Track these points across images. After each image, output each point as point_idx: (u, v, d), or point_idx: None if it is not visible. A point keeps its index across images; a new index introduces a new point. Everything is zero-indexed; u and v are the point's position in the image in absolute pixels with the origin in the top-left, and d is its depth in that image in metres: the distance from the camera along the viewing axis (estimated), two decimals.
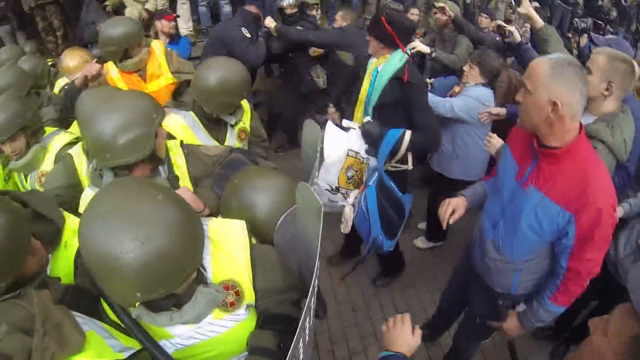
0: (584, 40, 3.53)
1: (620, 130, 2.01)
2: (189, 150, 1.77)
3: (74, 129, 2.43)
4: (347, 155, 2.52)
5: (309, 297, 1.08)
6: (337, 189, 2.59)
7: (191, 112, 2.16)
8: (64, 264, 1.36)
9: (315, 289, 1.24)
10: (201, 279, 1.15)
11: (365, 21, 5.42)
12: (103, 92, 1.99)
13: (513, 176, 1.71)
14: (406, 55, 2.44)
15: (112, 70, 2.74)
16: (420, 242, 3.77)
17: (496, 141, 2.26)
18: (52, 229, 1.37)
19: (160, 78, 2.86)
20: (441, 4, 3.75)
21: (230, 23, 4.19)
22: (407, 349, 1.35)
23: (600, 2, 8.17)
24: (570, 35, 4.37)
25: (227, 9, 5.63)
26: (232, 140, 2.25)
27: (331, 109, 3.05)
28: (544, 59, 1.51)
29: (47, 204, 1.40)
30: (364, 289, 3.31)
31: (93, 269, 0.95)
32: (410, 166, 2.48)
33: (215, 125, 2.17)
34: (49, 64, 3.61)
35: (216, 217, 1.56)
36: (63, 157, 1.98)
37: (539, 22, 2.64)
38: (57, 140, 2.21)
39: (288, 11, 4.34)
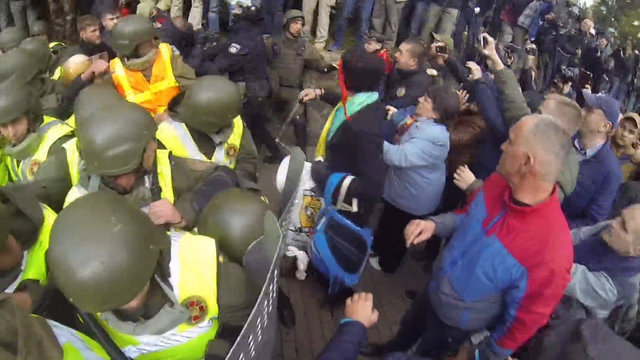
0: (567, 88, 3.66)
1: (569, 169, 2.21)
2: (176, 163, 1.83)
3: (72, 121, 2.46)
4: (304, 195, 2.59)
5: (259, 299, 1.14)
6: (300, 229, 2.67)
7: (183, 124, 2.20)
8: (39, 262, 1.41)
9: (270, 296, 1.31)
10: (167, 298, 1.21)
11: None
12: (102, 96, 2.04)
13: (480, 221, 1.79)
14: (370, 100, 2.39)
15: (117, 68, 2.80)
16: (374, 263, 3.76)
17: (466, 176, 2.34)
18: (30, 227, 1.41)
19: (163, 80, 2.92)
20: (441, 44, 3.79)
21: None
22: (366, 321, 1.52)
23: (598, 54, 8.43)
24: (555, 81, 4.54)
25: None
26: (220, 156, 2.30)
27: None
28: (534, 116, 1.63)
29: (30, 201, 1.45)
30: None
31: (51, 271, 1.03)
32: (354, 208, 2.50)
33: (205, 139, 2.21)
34: (51, 49, 3.65)
35: (191, 230, 1.64)
36: (57, 151, 2.02)
37: (500, 64, 2.74)
38: (53, 131, 2.23)
39: (236, 11, 4.36)
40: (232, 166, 2.38)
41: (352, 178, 2.39)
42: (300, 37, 4.86)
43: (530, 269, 1.59)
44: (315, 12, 5.96)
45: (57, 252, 0.99)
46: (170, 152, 1.86)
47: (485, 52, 2.74)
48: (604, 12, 14.23)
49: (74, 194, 1.70)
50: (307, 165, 2.55)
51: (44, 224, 1.46)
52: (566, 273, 1.59)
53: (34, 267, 1.40)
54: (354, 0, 6.06)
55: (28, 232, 1.40)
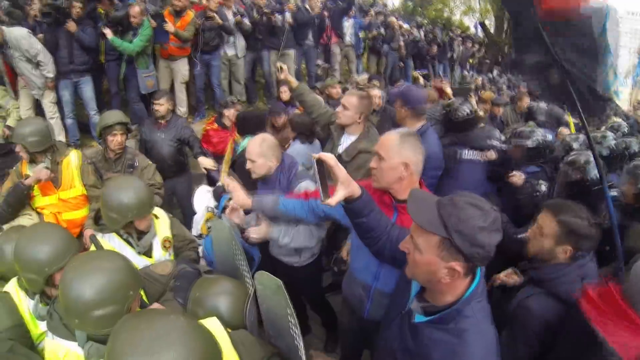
0: (422, 80, 4.43)
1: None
2: (143, 275, 1.91)
3: None
4: (207, 210, 3.11)
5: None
6: (200, 236, 3.07)
7: (114, 234, 2.28)
8: None
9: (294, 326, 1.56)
10: None
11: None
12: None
13: None
14: None
15: (27, 166, 3.03)
16: None
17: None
18: None
19: (72, 189, 3.15)
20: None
21: None
22: None
23: (421, 44, 10.01)
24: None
25: (96, 119, 5.25)
26: (158, 251, 2.39)
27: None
28: (393, 133, 1.89)
29: None
30: None
31: None
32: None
33: (137, 240, 2.30)
34: None
35: None
36: (0, 297, 1.92)
37: (295, 82, 3.27)
38: None
39: None
40: (172, 257, 2.46)
41: None
42: None
43: None
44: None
45: None
46: None
47: (281, 77, 3.30)
48: (411, 6, 16.41)
49: (53, 348, 1.62)
50: (210, 189, 3.26)
51: None
52: None
53: None
54: (203, 70, 6.28)
55: None
